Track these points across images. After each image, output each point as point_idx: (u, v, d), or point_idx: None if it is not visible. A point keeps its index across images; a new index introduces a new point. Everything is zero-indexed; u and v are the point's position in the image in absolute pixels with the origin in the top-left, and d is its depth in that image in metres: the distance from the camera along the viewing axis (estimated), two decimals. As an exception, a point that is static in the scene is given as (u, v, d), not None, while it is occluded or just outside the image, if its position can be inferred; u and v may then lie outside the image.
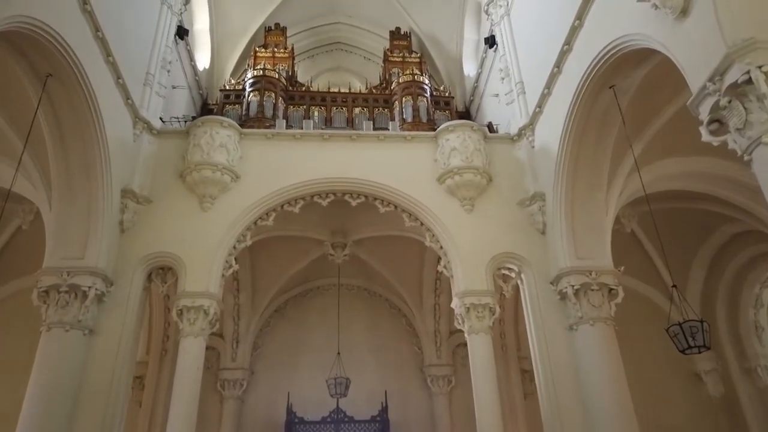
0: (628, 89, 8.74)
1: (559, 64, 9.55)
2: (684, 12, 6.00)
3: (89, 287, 8.67)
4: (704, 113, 5.75)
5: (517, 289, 10.46)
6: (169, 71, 11.72)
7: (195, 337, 9.06)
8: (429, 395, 13.54)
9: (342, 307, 13.33)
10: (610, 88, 8.60)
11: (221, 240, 9.81)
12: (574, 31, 8.90)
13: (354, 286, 14.67)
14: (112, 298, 9.10)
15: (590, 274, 9.24)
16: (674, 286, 7.43)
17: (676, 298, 7.34)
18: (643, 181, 10.62)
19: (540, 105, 10.42)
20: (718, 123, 5.67)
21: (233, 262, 9.98)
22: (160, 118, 11.31)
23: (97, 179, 9.03)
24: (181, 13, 12.69)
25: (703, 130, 5.81)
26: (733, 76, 5.28)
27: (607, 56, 7.95)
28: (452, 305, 10.01)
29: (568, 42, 9.11)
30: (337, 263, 12.73)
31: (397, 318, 14.53)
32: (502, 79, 12.15)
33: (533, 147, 10.75)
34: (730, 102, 5.38)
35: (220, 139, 10.37)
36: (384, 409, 12.20)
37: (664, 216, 12.88)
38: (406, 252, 13.42)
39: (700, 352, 6.79)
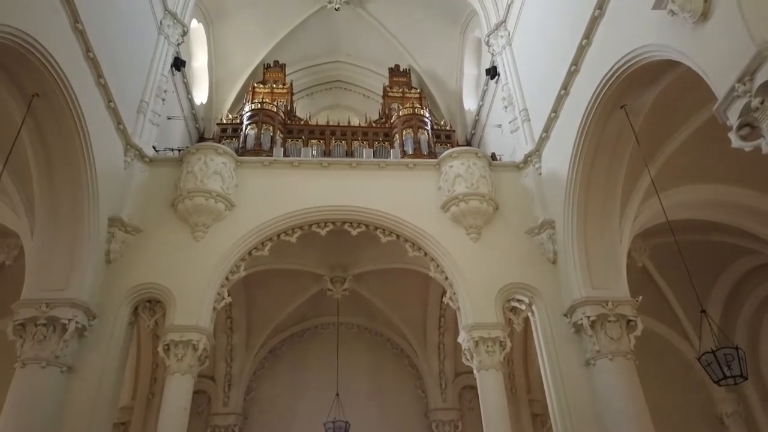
0: (640, 111, 8.41)
1: (566, 86, 9.25)
2: (704, 15, 5.68)
3: (69, 320, 8.05)
4: (733, 117, 5.34)
5: (527, 323, 9.85)
6: (164, 100, 11.42)
7: (182, 374, 8.36)
8: (434, 444, 12.66)
9: (341, 346, 12.61)
10: (622, 108, 8.27)
11: (213, 271, 9.25)
12: (581, 50, 8.64)
13: (354, 324, 13.97)
14: (95, 333, 8.47)
15: (607, 305, 8.66)
16: (703, 311, 6.82)
17: (708, 325, 6.67)
18: (655, 210, 10.25)
19: (546, 130, 10.08)
20: (749, 127, 5.26)
21: (226, 294, 9.39)
22: (154, 147, 10.92)
23: (84, 206, 8.54)
24: (179, 44, 12.51)
25: (732, 135, 5.39)
26: (765, 74, 4.91)
27: (619, 72, 7.64)
28: (459, 339, 9.36)
29: (576, 62, 8.84)
30: (336, 299, 12.11)
31: (400, 359, 13.76)
32: (506, 107, 11.88)
33: (540, 174, 10.35)
34: (762, 102, 4.99)
35: (215, 166, 9.96)
36: (387, 459, 11.33)
37: (677, 248, 12.41)
38: (409, 288, 12.82)
39: (736, 383, 6.14)
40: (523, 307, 9.58)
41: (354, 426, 11.21)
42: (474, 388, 13.12)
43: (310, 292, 12.66)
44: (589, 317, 8.61)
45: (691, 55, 6.02)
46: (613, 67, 7.66)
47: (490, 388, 8.61)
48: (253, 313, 12.89)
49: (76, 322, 8.10)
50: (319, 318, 13.69)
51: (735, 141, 5.38)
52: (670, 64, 7.20)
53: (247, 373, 12.90)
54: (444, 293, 12.15)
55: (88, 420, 7.80)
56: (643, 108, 8.40)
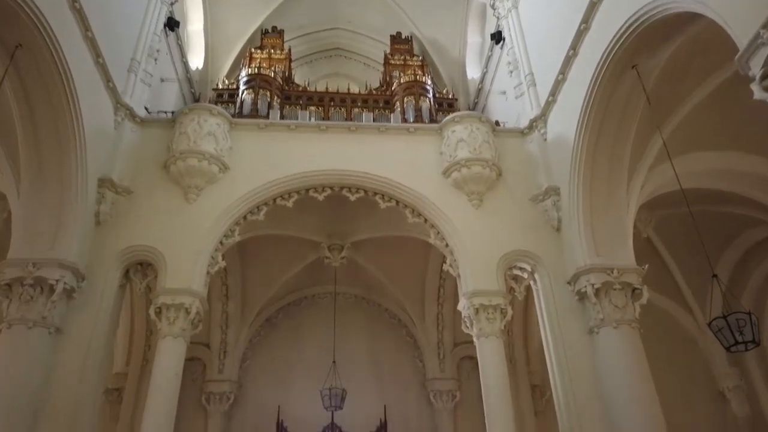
0: (652, 72, 8.06)
1: (575, 46, 8.88)
2: (727, -40, 5.31)
3: (57, 281, 7.78)
4: (756, 67, 5.00)
5: (528, 291, 9.61)
6: (156, 60, 11.00)
7: (175, 338, 8.14)
8: (431, 412, 12.52)
9: (338, 316, 12.40)
10: (633, 68, 7.92)
11: (207, 234, 8.98)
12: (592, 7, 8.26)
13: (351, 294, 13.74)
14: (84, 295, 8.21)
15: (612, 273, 8.41)
16: (715, 275, 6.56)
17: (719, 291, 6.42)
18: (664, 178, 9.94)
19: (553, 93, 9.71)
20: (774, 77, 4.93)
21: (220, 259, 9.13)
22: (146, 109, 10.56)
23: (71, 165, 8.21)
24: (172, 3, 12.05)
25: (755, 87, 5.05)
26: (795, 18, 4.57)
27: (632, 29, 7.29)
28: (459, 307, 9.13)
29: (586, 20, 8.46)
30: (334, 267, 11.86)
31: (397, 329, 13.58)
32: (511, 72, 11.49)
33: (545, 139, 10.02)
34: (789, 49, 4.66)
35: (209, 127, 9.61)
36: (383, 426, 11.18)
37: (683, 220, 12.12)
38: (408, 257, 12.57)
39: (747, 349, 5.91)
40: (525, 275, 9.32)
41: (350, 394, 11.05)
42: (473, 358, 12.99)
43: (307, 261, 12.40)
44: (593, 285, 8.36)
45: (711, 4, 5.66)
46: (626, 23, 7.29)
47: (490, 356, 8.40)
48: (249, 281, 12.66)
49: (64, 283, 7.84)
50: (316, 287, 13.46)
51: (758, 93, 5.05)
52: (686, 20, 6.85)
53: (242, 341, 12.72)
54: (444, 262, 11.95)
55: (77, 382, 7.58)
56: (655, 69, 8.05)
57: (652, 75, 8.08)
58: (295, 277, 12.76)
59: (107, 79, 9.14)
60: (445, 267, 9.38)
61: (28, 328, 7.49)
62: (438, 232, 9.59)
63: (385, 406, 11.52)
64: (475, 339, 8.72)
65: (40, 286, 7.73)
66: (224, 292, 12.46)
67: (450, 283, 12.82)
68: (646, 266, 8.73)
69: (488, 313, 8.63)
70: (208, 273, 8.89)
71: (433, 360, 12.83)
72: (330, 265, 11.90)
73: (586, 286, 8.43)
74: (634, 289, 8.45)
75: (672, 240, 12.47)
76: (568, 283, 8.82)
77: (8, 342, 7.37)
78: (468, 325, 8.87)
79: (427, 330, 13.08)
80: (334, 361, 11.01)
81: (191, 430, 11.90)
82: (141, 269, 8.95)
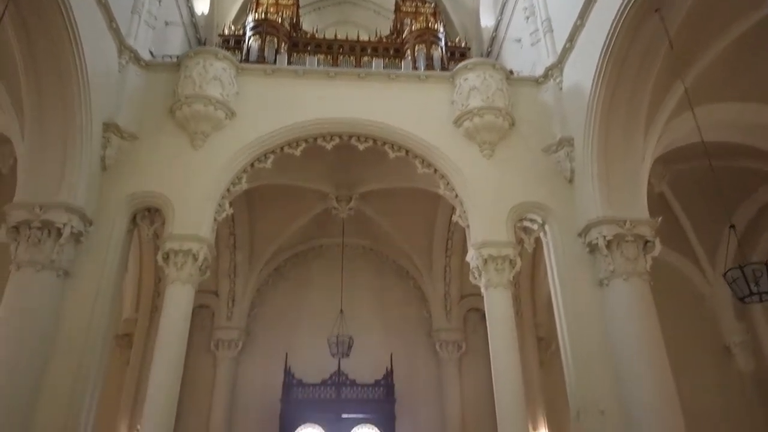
0: (676, 17, 7.69)
1: (596, -11, 8.47)
2: None
3: (64, 224, 7.76)
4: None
5: (538, 244, 9.51)
6: (160, 2, 10.67)
7: (183, 283, 8.16)
8: (437, 362, 12.66)
9: (346, 268, 12.41)
10: (656, 11, 7.55)
11: (214, 181, 8.88)
12: (616, -54, 7.82)
13: (359, 246, 13.71)
14: (91, 240, 8.20)
15: (624, 225, 8.27)
16: (732, 226, 6.40)
17: (734, 242, 6.27)
18: (682, 130, 9.65)
19: (571, 39, 9.35)
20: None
21: (227, 206, 9.06)
22: (151, 53, 10.31)
23: (75, 108, 8.05)
24: (175, -58, 11.60)
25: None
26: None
27: (657, -32, 6.89)
28: (468, 258, 9.07)
29: (608, -40, 8.03)
30: (342, 218, 11.79)
31: (405, 281, 13.60)
32: (527, 18, 11.07)
33: (561, 88, 9.71)
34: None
35: (214, 71, 9.37)
36: (389, 373, 11.34)
37: (698, 175, 11.87)
38: (416, 209, 12.47)
39: (762, 300, 5.80)
40: (536, 227, 9.21)
41: (357, 343, 11.15)
42: (479, 310, 13.13)
43: (314, 211, 12.33)
44: (605, 237, 8.25)
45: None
46: (651, -39, 6.90)
47: (498, 306, 8.39)
48: (257, 231, 12.64)
49: (72, 227, 7.81)
50: (324, 238, 13.42)
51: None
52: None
53: (250, 290, 12.80)
54: (453, 214, 11.84)
55: (86, 325, 7.65)
56: (679, 14, 7.68)
57: (676, 20, 7.72)
58: (303, 228, 12.72)
59: (110, 19, 8.87)
60: (455, 218, 9.29)
61: (36, 270, 7.52)
62: (448, 183, 9.43)
63: (391, 354, 11.64)
64: (482, 289, 8.69)
65: (47, 230, 7.72)
66: (232, 242, 12.47)
67: (458, 236, 12.76)
68: (660, 219, 8.58)
69: (497, 264, 8.56)
70: (215, 220, 8.83)
71: (439, 311, 12.89)
72: (338, 216, 11.82)
73: (597, 238, 8.32)
74: (646, 242, 8.34)
75: (685, 195, 12.26)
76: (579, 235, 8.70)
77: (17, 284, 7.41)
78: (476, 276, 8.82)
79: (435, 282, 13.09)
80: (341, 310, 11.07)
81: (201, 375, 12.14)
82: (148, 215, 8.91)
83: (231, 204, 9.29)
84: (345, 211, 11.63)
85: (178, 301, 8.06)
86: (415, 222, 12.69)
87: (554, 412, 11.85)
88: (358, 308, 12.58)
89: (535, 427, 11.36)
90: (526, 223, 9.30)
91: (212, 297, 12.66)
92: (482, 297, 12.86)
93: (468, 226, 9.11)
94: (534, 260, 12.80)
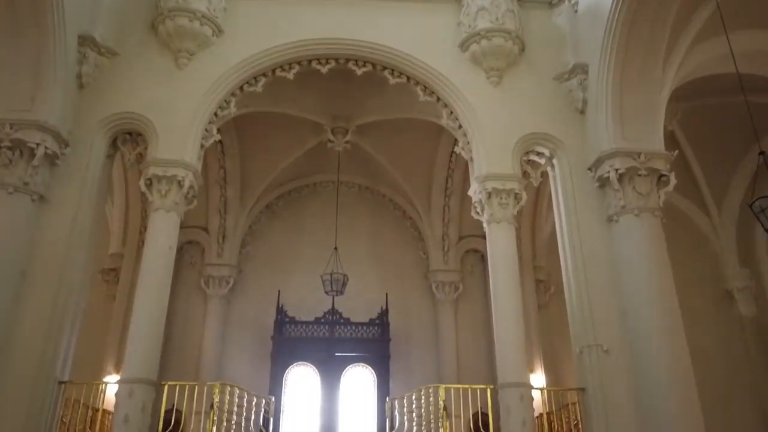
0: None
1: None
2: None
3: (37, 144, 7.18)
4: None
5: (544, 179, 9.03)
6: None
7: (167, 211, 7.65)
8: (433, 303, 12.37)
9: (341, 207, 11.89)
10: None
11: (200, 104, 8.24)
12: None
13: (355, 184, 13.17)
14: (68, 163, 7.64)
15: (638, 157, 7.78)
16: (761, 152, 5.91)
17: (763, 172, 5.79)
18: (696, 64, 9.05)
19: (589, -45, 8.58)
20: None
21: (215, 131, 8.46)
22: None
23: (47, 19, 7.29)
24: None
25: None
26: None
27: None
28: (470, 192, 8.59)
29: None
30: (337, 151, 11.21)
31: (402, 221, 13.14)
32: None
33: (576, 11, 8.98)
34: None
35: (200, -18, 8.57)
36: (384, 313, 11.03)
37: (712, 113, 11.33)
38: (416, 145, 11.90)
39: (790, 231, 5.38)
40: (543, 160, 8.69)
41: (352, 282, 10.79)
42: (477, 252, 12.82)
43: (308, 145, 11.72)
44: (617, 170, 7.78)
45: None
46: None
47: (501, 242, 7.96)
48: (248, 166, 12.05)
49: (45, 148, 7.23)
50: (318, 175, 12.86)
51: None
52: None
53: (241, 227, 12.32)
54: (453, 151, 11.30)
55: (63, 255, 7.19)
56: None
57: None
58: (296, 162, 12.14)
59: None
60: (457, 150, 8.70)
61: (8, 193, 7.00)
62: (451, 112, 8.83)
63: (386, 294, 11.30)
64: (485, 225, 8.25)
65: (19, 150, 7.15)
66: (222, 176, 11.91)
67: (458, 174, 12.27)
68: (675, 152, 8.10)
69: (501, 198, 8.09)
70: (202, 146, 8.25)
71: (437, 252, 12.51)
72: (333, 149, 11.24)
73: (608, 172, 7.85)
74: (660, 176, 7.87)
75: (697, 135, 11.73)
76: (589, 169, 8.22)
77: (-12, 206, 6.89)
78: (478, 211, 8.36)
79: (433, 222, 12.65)
80: (335, 248, 10.65)
81: (191, 312, 11.82)
82: (130, 139, 8.30)
83: (219, 130, 8.70)
84: (341, 144, 11.05)
85: (163, 229, 7.58)
86: (414, 159, 12.13)
87: (551, 355, 11.69)
88: (353, 248, 12.14)
89: (531, 370, 11.16)
90: (533, 157, 8.78)
91: (202, 233, 12.20)
92: (481, 238, 12.56)
93: (471, 159, 8.59)
94: (536, 200, 12.37)
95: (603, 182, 8.00)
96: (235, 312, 12.03)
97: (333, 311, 10.80)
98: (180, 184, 7.75)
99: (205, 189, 11.94)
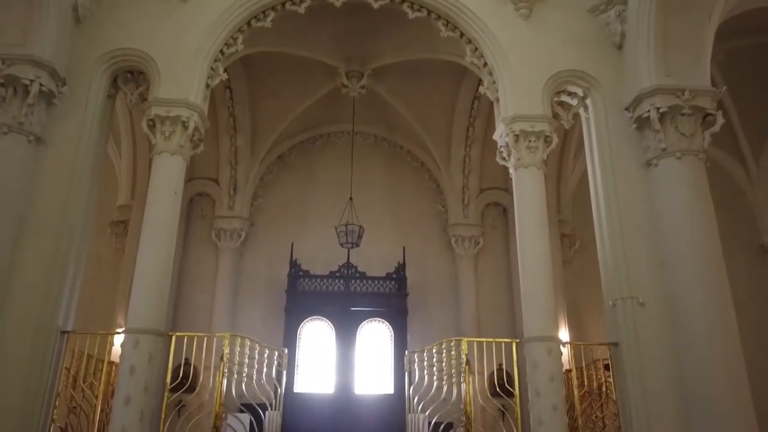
0: None
1: None
2: None
3: (31, 81, 6.66)
4: None
5: (575, 123, 8.39)
6: None
7: (171, 154, 7.15)
8: (452, 258, 11.90)
9: (356, 159, 11.36)
10: None
11: (204, 39, 7.63)
12: None
13: (370, 134, 12.58)
14: (66, 103, 7.15)
15: (682, 95, 7.09)
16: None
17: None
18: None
19: None
20: None
21: (221, 70, 7.87)
22: None
23: (36, -58, 6.73)
24: None
25: None
26: None
27: None
28: (495, 136, 7.97)
29: None
30: (352, 97, 10.60)
31: (420, 173, 12.58)
32: None
33: (614, -66, 8.15)
34: None
35: None
36: (401, 267, 10.60)
37: (756, 55, 10.50)
38: (435, 91, 11.28)
39: None
40: (575, 101, 8.02)
41: (368, 237, 10.37)
42: (499, 205, 12.27)
43: (322, 91, 11.11)
44: (658, 109, 7.10)
45: None
46: None
47: (529, 188, 7.36)
48: (259, 113, 11.50)
49: (41, 85, 6.72)
50: (332, 125, 12.27)
51: None
52: None
53: (253, 178, 11.85)
54: (477, 92, 10.69)
55: (62, 202, 6.74)
56: None
57: None
58: (309, 111, 11.55)
59: None
60: (478, 100, 8.15)
61: (2, 133, 6.53)
62: (476, 49, 8.13)
63: (404, 247, 10.84)
64: (511, 170, 7.65)
65: (12, 87, 6.64)
66: (232, 125, 11.38)
67: (480, 122, 11.64)
68: (723, 89, 7.39)
69: (530, 141, 7.47)
70: (208, 86, 7.69)
71: (456, 205, 11.97)
72: (348, 95, 10.63)
73: (649, 111, 7.17)
74: (705, 115, 7.18)
75: (737, 79, 10.90)
76: (627, 109, 7.54)
77: (-19, 146, 6.45)
78: (504, 155, 7.76)
79: (452, 174, 12.07)
80: (350, 198, 10.17)
81: (202, 266, 11.51)
82: (132, 78, 7.77)
83: (227, 70, 8.13)
84: (356, 89, 10.42)
85: (167, 174, 7.08)
86: (434, 106, 11.47)
87: (575, 313, 11.26)
88: (369, 201, 11.65)
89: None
90: (564, 98, 8.10)
91: (212, 185, 11.77)
92: (503, 191, 12.17)
93: (497, 100, 7.93)
94: (562, 151, 11.73)
95: (642, 123, 7.34)
96: (248, 266, 11.69)
97: (348, 265, 10.40)
98: (184, 126, 7.24)
99: (214, 138, 11.49)
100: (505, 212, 12.21)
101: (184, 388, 7.05)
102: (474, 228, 11.84)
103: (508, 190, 12.05)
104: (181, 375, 7.08)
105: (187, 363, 7.39)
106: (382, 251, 11.25)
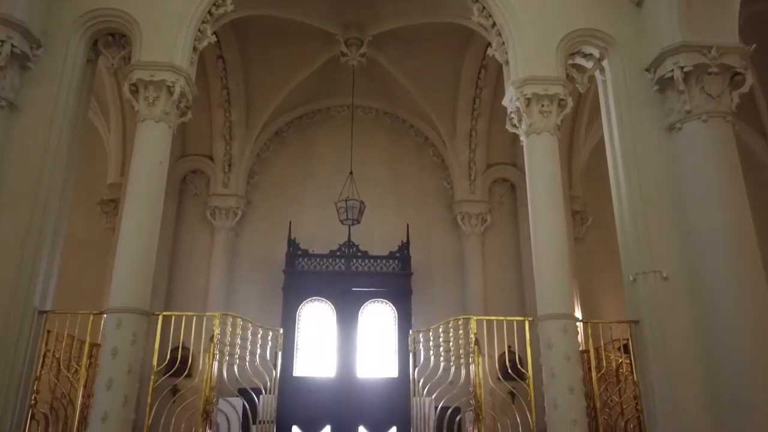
0: None
1: None
2: None
3: (2, 42, 6.15)
4: None
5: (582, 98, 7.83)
6: None
7: (156, 122, 6.64)
8: (458, 236, 11.40)
9: (356, 134, 10.82)
10: None
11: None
12: None
13: (371, 108, 12.03)
14: (42, 67, 6.63)
15: (708, 52, 6.51)
16: None
17: None
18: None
19: None
20: None
21: (209, 32, 7.31)
22: None
23: None
24: None
25: None
26: None
27: None
28: (504, 101, 7.42)
29: None
30: (351, 66, 10.04)
31: (424, 148, 12.04)
32: None
33: None
34: None
35: None
36: (404, 245, 10.10)
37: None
38: (439, 60, 10.68)
39: None
40: (591, 63, 7.45)
41: (369, 216, 9.88)
42: (506, 181, 11.73)
43: (319, 61, 10.54)
44: (682, 68, 6.52)
45: None
46: None
47: (541, 155, 6.83)
48: (254, 86, 10.95)
49: (12, 46, 6.20)
50: (331, 98, 11.73)
51: None
52: None
53: (248, 154, 11.33)
54: (484, 59, 10.15)
55: (37, 166, 6.27)
56: None
57: None
58: (306, 82, 10.99)
59: None
60: (484, 70, 7.56)
61: (-29, 98, 6.05)
62: (483, 8, 7.53)
63: (407, 224, 10.32)
64: (522, 137, 7.12)
65: (-19, 48, 6.14)
66: (225, 97, 10.85)
67: (487, 93, 11.08)
68: (753, 46, 6.79)
69: (543, 105, 6.92)
70: (195, 49, 7.15)
71: (462, 181, 11.44)
72: (347, 64, 10.06)
73: (672, 70, 6.60)
74: (734, 74, 6.61)
75: (759, 47, 10.26)
76: (647, 69, 6.98)
77: (-53, 113, 5.95)
78: (515, 121, 7.22)
79: (458, 148, 11.52)
80: (351, 172, 9.65)
81: (197, 246, 11.08)
82: (114, 42, 7.24)
83: (216, 33, 7.58)
84: (356, 57, 9.86)
85: (151, 142, 6.57)
86: (437, 76, 10.89)
87: (588, 292, 10.75)
88: (371, 178, 11.15)
89: (566, 306, 10.27)
90: (579, 60, 7.53)
91: (206, 161, 11.28)
92: (511, 166, 11.64)
93: (506, 62, 7.37)
94: (573, 124, 11.17)
95: (664, 84, 6.78)
96: (244, 245, 11.22)
97: (349, 243, 9.90)
98: (170, 91, 6.70)
99: (207, 112, 10.98)
100: (513, 188, 11.68)
101: (181, 373, 6.73)
102: (481, 205, 11.32)
103: (516, 165, 11.57)
104: (178, 359, 6.76)
105: (184, 348, 6.98)
106: (384, 229, 10.76)
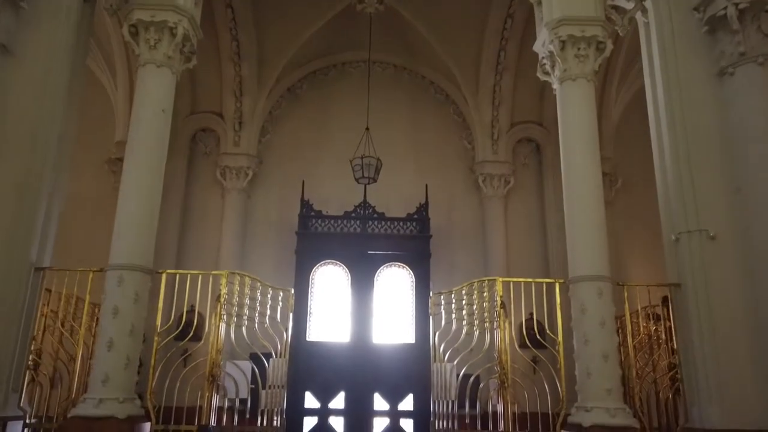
0: None
1: None
2: None
3: (-10, -23, 5.69)
4: None
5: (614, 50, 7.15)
6: None
7: (158, 66, 6.16)
8: (479, 198, 10.88)
9: (374, 89, 10.29)
10: None
11: (195, -67, 6.52)
12: None
13: (389, 64, 11.42)
14: (36, 7, 6.15)
15: (769, -13, 5.82)
16: None
17: None
18: None
19: None
20: None
21: (215, -29, 6.78)
22: None
23: None
24: None
25: None
26: None
27: None
28: (535, 47, 6.80)
29: None
30: (368, 14, 9.44)
31: (444, 106, 11.43)
32: None
33: None
34: None
35: None
36: (423, 207, 9.58)
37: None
38: (462, 9, 10.02)
39: None
40: (632, 3, 6.77)
41: (387, 177, 9.41)
42: (531, 141, 11.12)
43: (334, 10, 9.93)
44: (737, 5, 5.86)
45: None
46: None
47: (577, 103, 6.25)
48: (265, 38, 10.39)
49: (3, -14, 5.75)
50: (347, 53, 11.14)
51: None
52: None
53: (260, 111, 10.84)
54: (510, 8, 9.46)
55: (34, 114, 5.85)
56: None
57: None
58: (320, 33, 10.40)
59: None
60: (511, 20, 6.90)
61: (-41, 39, 5.60)
62: (513, -58, 6.89)
63: (426, 185, 9.78)
64: (556, 84, 6.51)
65: (-32, -15, 5.67)
66: (236, 50, 10.31)
67: (513, 47, 10.40)
68: (820, -19, 6.06)
69: (579, 48, 6.29)
70: (199, -9, 6.62)
71: (485, 141, 10.86)
72: (364, 12, 9.46)
73: (726, 8, 5.95)
74: (797, 12, 5.92)
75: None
76: (696, 9, 6.31)
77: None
78: (548, 67, 6.60)
79: (480, 106, 10.90)
80: (367, 128, 9.13)
81: (208, 207, 10.72)
82: (112, -18, 6.71)
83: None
84: (373, 4, 9.23)
85: (153, 88, 6.11)
86: (460, 27, 10.23)
87: (617, 258, 10.16)
88: (388, 137, 10.58)
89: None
90: (618, 1, 6.86)
91: (216, 119, 10.82)
92: (536, 125, 11.00)
93: (539, 2, 6.73)
94: (604, 79, 10.45)
95: (715, 24, 6.11)
96: (256, 206, 10.83)
97: (365, 204, 9.41)
98: (172, 33, 6.20)
99: (217, 67, 10.48)
100: (538, 149, 11.09)
101: (192, 337, 6.45)
102: (504, 166, 10.75)
103: (542, 124, 10.95)
104: (194, 323, 6.54)
105: (194, 311, 6.69)
106: (401, 190, 10.28)
